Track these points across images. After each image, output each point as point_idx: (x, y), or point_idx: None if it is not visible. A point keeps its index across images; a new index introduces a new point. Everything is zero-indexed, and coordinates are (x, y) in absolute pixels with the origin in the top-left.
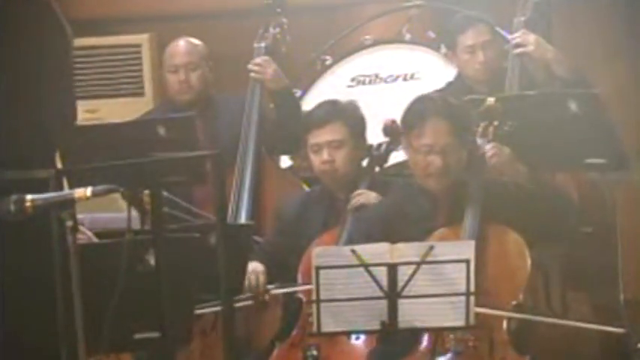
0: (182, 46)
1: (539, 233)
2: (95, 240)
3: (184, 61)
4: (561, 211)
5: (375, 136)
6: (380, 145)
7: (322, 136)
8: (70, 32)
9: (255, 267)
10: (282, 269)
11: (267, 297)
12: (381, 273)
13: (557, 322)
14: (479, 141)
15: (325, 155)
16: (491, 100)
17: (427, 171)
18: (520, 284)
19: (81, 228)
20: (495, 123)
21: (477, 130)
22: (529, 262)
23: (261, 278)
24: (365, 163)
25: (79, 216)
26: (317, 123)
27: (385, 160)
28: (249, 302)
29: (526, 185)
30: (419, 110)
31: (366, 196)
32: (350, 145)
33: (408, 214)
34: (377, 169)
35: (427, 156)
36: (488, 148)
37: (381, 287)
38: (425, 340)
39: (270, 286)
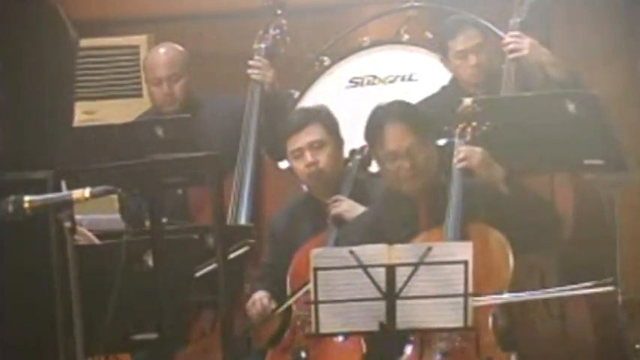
0: (163, 56)
1: (523, 242)
2: (96, 241)
3: (167, 73)
4: (542, 218)
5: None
6: (362, 148)
7: (302, 139)
8: (76, 37)
9: (259, 295)
10: (283, 284)
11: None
12: (380, 274)
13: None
14: (456, 142)
15: (309, 157)
16: (468, 101)
17: (398, 176)
18: (504, 282)
19: (82, 229)
20: (474, 124)
21: (454, 132)
22: (512, 260)
23: (265, 302)
24: (348, 166)
25: (78, 217)
26: (294, 128)
27: (369, 163)
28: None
29: (503, 191)
30: (375, 121)
31: (340, 203)
32: (330, 146)
33: (390, 219)
34: (360, 172)
35: (394, 162)
36: (459, 151)
37: (379, 288)
38: (412, 341)
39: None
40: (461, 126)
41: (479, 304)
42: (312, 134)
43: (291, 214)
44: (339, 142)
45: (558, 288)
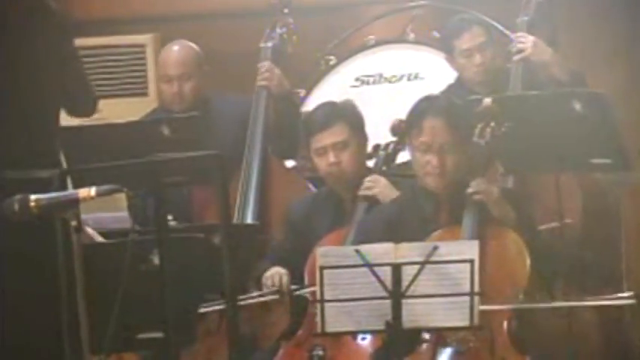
0: (175, 54)
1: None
2: (99, 239)
3: (178, 72)
4: (549, 265)
5: (380, 136)
6: (387, 144)
7: (326, 139)
8: (70, 30)
9: (277, 269)
10: (292, 270)
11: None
12: (386, 273)
13: (557, 305)
14: (475, 140)
15: (332, 157)
16: (488, 100)
17: (425, 169)
18: (520, 285)
19: (85, 228)
20: (492, 124)
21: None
22: (529, 262)
23: (285, 279)
24: (372, 163)
25: (83, 216)
26: (319, 126)
27: (393, 160)
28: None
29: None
30: (420, 109)
31: (375, 182)
32: (354, 145)
33: (412, 215)
34: (384, 168)
35: (425, 154)
36: (475, 183)
37: (385, 287)
38: (427, 339)
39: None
40: (480, 126)
41: (491, 308)
42: (336, 134)
43: (311, 206)
44: (363, 140)
45: (571, 303)
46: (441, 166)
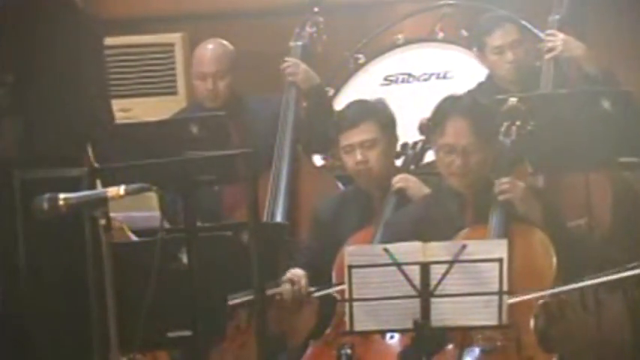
0: (210, 52)
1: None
2: (132, 237)
3: (212, 70)
4: (575, 256)
5: (409, 135)
6: (415, 143)
7: (354, 136)
8: (100, 33)
9: (296, 272)
10: (321, 270)
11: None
12: (414, 272)
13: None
14: (501, 139)
15: (359, 156)
16: (513, 99)
17: (449, 170)
18: (547, 283)
19: (119, 224)
20: (518, 123)
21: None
22: (555, 260)
23: (303, 282)
24: (400, 161)
25: (113, 215)
26: (348, 124)
27: (421, 159)
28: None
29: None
30: (443, 109)
31: (405, 180)
32: (382, 144)
33: (438, 214)
34: (412, 167)
35: (448, 155)
36: (501, 182)
37: (413, 286)
38: (453, 339)
39: (311, 289)
40: (506, 124)
41: (519, 300)
42: (365, 133)
43: (338, 205)
44: (392, 139)
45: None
46: (464, 166)
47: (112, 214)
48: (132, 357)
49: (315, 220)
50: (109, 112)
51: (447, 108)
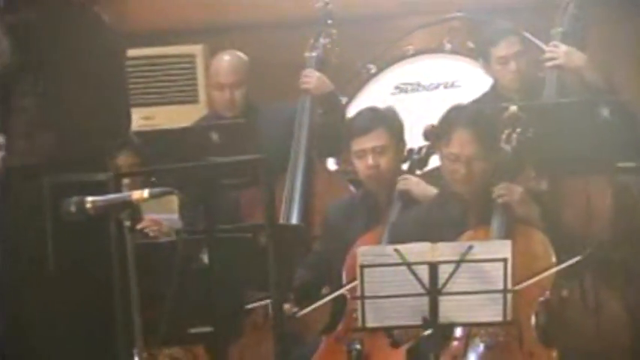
0: (227, 63)
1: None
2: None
3: (229, 80)
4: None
5: (416, 141)
6: (420, 148)
7: (366, 142)
8: (123, 46)
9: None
10: (330, 270)
11: None
12: (423, 271)
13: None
14: (503, 146)
15: (370, 161)
16: (513, 108)
17: (453, 177)
18: (547, 282)
19: (154, 218)
20: (518, 130)
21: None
22: (554, 260)
23: (287, 306)
24: (406, 166)
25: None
26: (360, 130)
27: (425, 164)
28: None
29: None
30: (449, 120)
31: (409, 181)
32: (392, 150)
33: (442, 217)
34: (417, 172)
35: (453, 163)
36: (499, 187)
37: (422, 284)
38: (458, 334)
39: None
40: (507, 131)
41: (518, 296)
42: (376, 139)
43: (348, 208)
44: (401, 145)
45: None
46: (468, 174)
47: (156, 216)
48: (154, 352)
49: (325, 224)
50: (128, 119)
51: (453, 119)
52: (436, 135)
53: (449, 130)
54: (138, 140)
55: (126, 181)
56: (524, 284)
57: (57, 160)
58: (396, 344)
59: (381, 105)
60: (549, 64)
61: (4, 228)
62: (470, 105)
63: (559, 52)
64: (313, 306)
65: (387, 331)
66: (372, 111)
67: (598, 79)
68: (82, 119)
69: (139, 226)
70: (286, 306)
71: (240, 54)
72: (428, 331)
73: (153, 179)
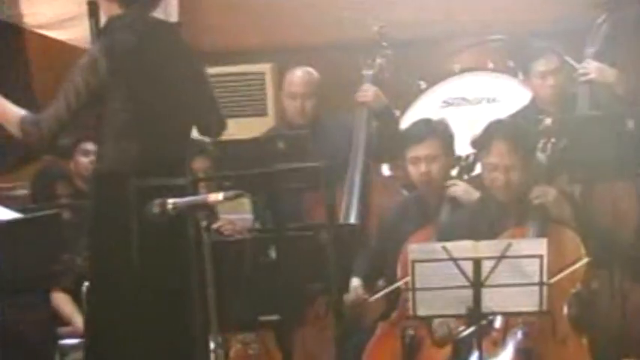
0: (299, 76)
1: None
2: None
3: (301, 91)
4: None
5: (462, 150)
6: (467, 156)
7: (420, 150)
8: (201, 65)
9: (352, 284)
10: (387, 265)
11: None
12: (467, 266)
13: None
14: (538, 155)
15: (423, 167)
16: (548, 120)
17: (493, 184)
18: (577, 276)
19: (229, 218)
20: (552, 140)
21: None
22: (585, 257)
23: (360, 292)
24: (455, 171)
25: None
26: (415, 139)
27: (472, 170)
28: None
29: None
30: (489, 133)
31: (459, 187)
32: (443, 158)
33: (485, 218)
34: (465, 177)
35: (492, 172)
36: (535, 190)
37: (467, 278)
38: (498, 322)
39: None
40: (542, 141)
41: (554, 289)
42: (429, 148)
43: (401, 209)
44: (451, 154)
45: None
46: (506, 181)
47: (230, 216)
48: (227, 337)
49: (381, 222)
50: (220, 125)
51: (492, 132)
52: (478, 147)
53: (488, 142)
54: (212, 148)
55: (201, 184)
56: (559, 276)
57: (142, 166)
58: (440, 343)
59: (432, 117)
60: (583, 79)
61: (95, 227)
62: (507, 119)
63: (591, 68)
64: (382, 292)
65: (431, 332)
66: (426, 122)
67: (627, 92)
68: (166, 130)
69: (214, 226)
70: (359, 292)
71: (312, 70)
72: (469, 330)
73: (227, 183)
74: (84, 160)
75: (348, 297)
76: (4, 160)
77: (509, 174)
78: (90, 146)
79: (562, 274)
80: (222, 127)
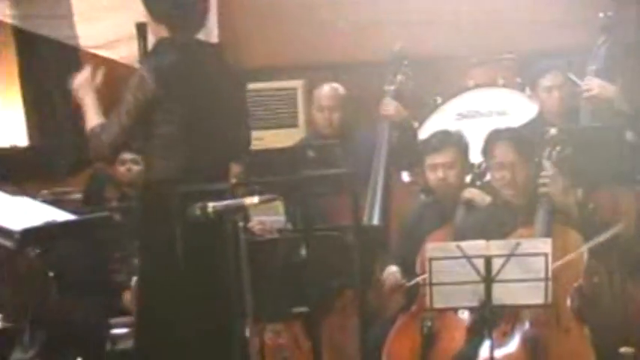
0: (327, 91)
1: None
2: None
3: (329, 104)
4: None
5: (475, 158)
6: (480, 164)
7: (438, 158)
8: (241, 79)
9: (390, 269)
10: (407, 263)
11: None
12: (479, 263)
13: None
14: (544, 162)
15: (440, 174)
16: (553, 130)
17: (501, 183)
18: (580, 270)
19: (261, 219)
20: (557, 148)
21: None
22: (586, 255)
23: (398, 276)
24: (468, 178)
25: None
26: (434, 148)
27: (484, 176)
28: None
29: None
30: (490, 138)
31: (472, 192)
32: (459, 166)
33: (496, 219)
34: (478, 183)
35: (499, 171)
36: (542, 175)
37: (479, 274)
38: (506, 315)
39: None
40: (548, 149)
41: (557, 281)
42: (446, 156)
43: (420, 212)
44: (466, 162)
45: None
46: (513, 179)
47: (265, 219)
48: (261, 327)
49: (401, 223)
50: (248, 139)
51: (493, 136)
52: (483, 154)
53: (491, 145)
54: (247, 156)
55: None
56: (558, 263)
57: (187, 175)
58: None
59: (448, 128)
60: (586, 94)
61: (144, 229)
62: (505, 126)
63: (594, 85)
64: (418, 279)
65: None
66: (444, 133)
67: (627, 106)
68: (209, 142)
69: (248, 226)
70: (397, 277)
71: (339, 85)
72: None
73: (259, 188)
74: (121, 168)
75: (387, 281)
76: (60, 167)
77: (514, 171)
78: (127, 155)
79: (561, 261)
80: (248, 141)
